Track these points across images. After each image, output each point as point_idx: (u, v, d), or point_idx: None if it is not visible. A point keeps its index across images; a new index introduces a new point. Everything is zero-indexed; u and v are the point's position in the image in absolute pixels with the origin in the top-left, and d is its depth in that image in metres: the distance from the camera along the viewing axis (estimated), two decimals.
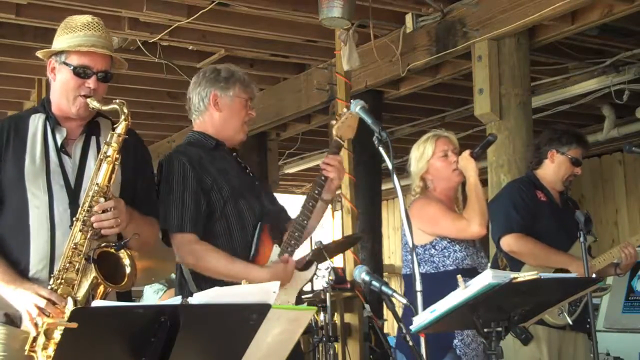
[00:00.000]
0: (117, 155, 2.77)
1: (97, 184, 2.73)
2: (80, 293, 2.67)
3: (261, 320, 2.03)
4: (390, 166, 2.83)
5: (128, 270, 2.72)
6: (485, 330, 2.61)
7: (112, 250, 2.72)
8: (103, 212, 2.71)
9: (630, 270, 4.55)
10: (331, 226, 11.89)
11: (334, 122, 3.35)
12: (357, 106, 3.03)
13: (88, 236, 2.70)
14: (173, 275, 5.24)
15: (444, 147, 3.77)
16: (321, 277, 5.66)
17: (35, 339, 2.58)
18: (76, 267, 2.68)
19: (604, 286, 5.74)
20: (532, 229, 4.15)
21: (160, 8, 5.39)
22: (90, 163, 2.86)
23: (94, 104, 2.81)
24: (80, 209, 2.72)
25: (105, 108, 2.81)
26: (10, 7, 5.33)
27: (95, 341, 1.91)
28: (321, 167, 3.28)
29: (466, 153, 3.67)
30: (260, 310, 2.03)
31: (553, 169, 4.34)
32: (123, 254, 2.74)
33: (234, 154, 3.38)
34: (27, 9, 5.40)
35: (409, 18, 5.78)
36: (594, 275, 3.96)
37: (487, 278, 2.42)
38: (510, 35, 5.29)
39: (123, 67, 3.07)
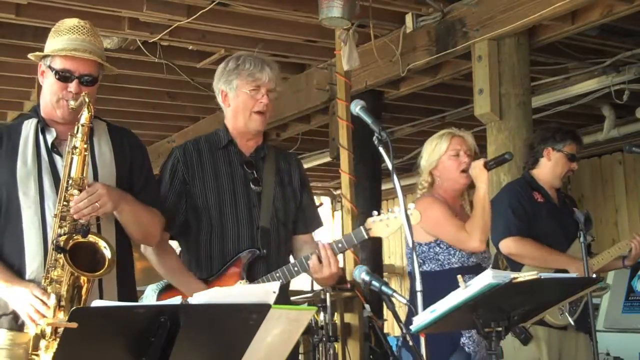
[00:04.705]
0: (85, 146, 2.74)
1: (71, 177, 2.71)
2: (64, 288, 2.65)
3: (261, 320, 2.04)
4: (390, 166, 2.83)
5: (108, 254, 2.68)
6: (486, 330, 2.61)
7: (82, 239, 2.66)
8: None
9: (630, 269, 4.57)
10: (331, 226, 11.89)
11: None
12: (357, 106, 3.03)
13: (67, 230, 2.67)
14: None
15: (457, 146, 3.75)
16: None
17: (37, 341, 2.58)
18: (61, 263, 2.65)
19: (603, 285, 5.75)
20: (531, 231, 4.17)
21: (160, 8, 5.38)
22: None
23: (71, 103, 2.80)
24: (57, 204, 2.71)
25: (76, 105, 2.79)
26: (10, 7, 5.32)
27: (95, 341, 1.91)
28: (320, 248, 3.06)
29: (480, 163, 3.65)
30: (260, 310, 2.03)
31: (550, 166, 4.36)
32: (96, 239, 2.70)
33: (254, 157, 3.25)
34: (27, 9, 5.39)
35: (409, 18, 5.77)
36: (594, 275, 3.97)
37: (487, 278, 2.42)
38: (510, 35, 5.28)
39: (113, 71, 3.06)
